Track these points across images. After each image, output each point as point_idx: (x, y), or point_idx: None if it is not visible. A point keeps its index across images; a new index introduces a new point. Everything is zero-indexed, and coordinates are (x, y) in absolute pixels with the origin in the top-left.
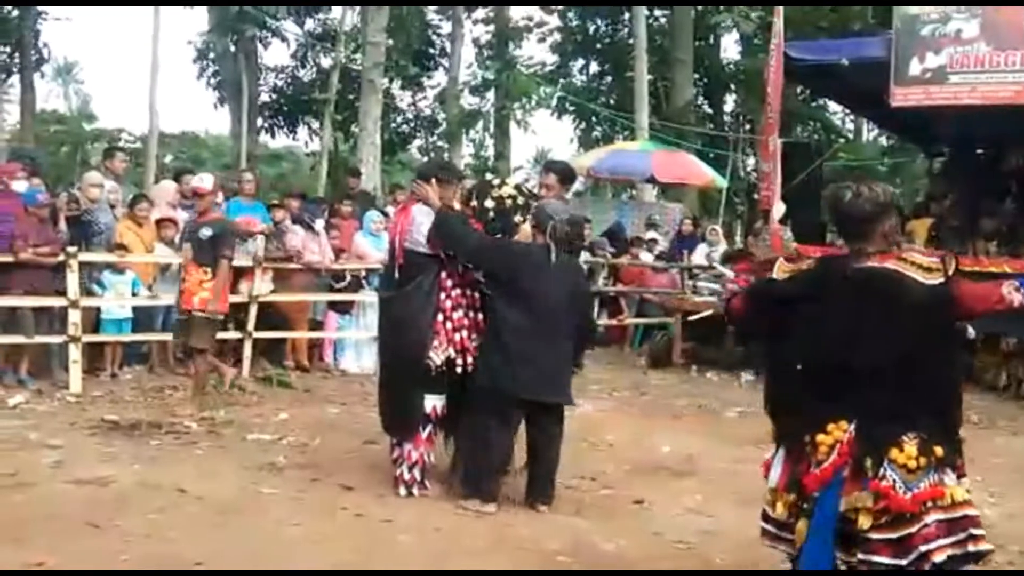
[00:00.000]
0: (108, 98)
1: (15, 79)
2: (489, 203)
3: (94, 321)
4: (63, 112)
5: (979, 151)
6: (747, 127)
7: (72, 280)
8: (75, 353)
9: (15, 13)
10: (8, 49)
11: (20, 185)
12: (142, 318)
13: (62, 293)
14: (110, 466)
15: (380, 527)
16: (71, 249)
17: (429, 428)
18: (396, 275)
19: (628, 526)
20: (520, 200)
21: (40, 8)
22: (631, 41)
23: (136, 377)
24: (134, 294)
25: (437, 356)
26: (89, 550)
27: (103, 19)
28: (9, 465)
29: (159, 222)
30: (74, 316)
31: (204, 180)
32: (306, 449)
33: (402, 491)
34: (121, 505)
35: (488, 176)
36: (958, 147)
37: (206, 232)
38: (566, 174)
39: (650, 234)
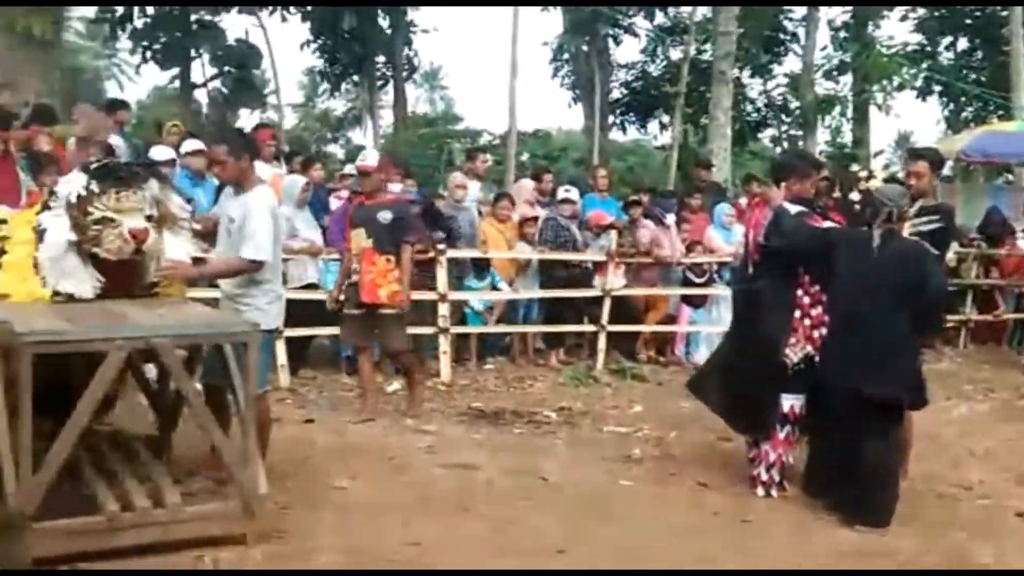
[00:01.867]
0: (470, 100)
1: (389, 87)
2: (855, 195)
3: (461, 313)
4: (430, 115)
5: None
6: None
7: (441, 275)
8: (444, 344)
9: (388, 28)
10: (383, 59)
11: (395, 187)
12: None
13: (432, 288)
14: (477, 453)
15: (739, 527)
16: (440, 246)
17: (787, 429)
18: (750, 270)
19: (1010, 540)
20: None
21: (410, 20)
22: (1004, 13)
23: (498, 367)
24: (495, 288)
25: (794, 354)
26: (460, 534)
27: (465, 26)
28: (389, 448)
29: (522, 221)
30: (443, 309)
31: (368, 157)
32: (661, 443)
33: (760, 491)
34: (489, 491)
35: (854, 167)
36: None
37: (385, 216)
38: (936, 161)
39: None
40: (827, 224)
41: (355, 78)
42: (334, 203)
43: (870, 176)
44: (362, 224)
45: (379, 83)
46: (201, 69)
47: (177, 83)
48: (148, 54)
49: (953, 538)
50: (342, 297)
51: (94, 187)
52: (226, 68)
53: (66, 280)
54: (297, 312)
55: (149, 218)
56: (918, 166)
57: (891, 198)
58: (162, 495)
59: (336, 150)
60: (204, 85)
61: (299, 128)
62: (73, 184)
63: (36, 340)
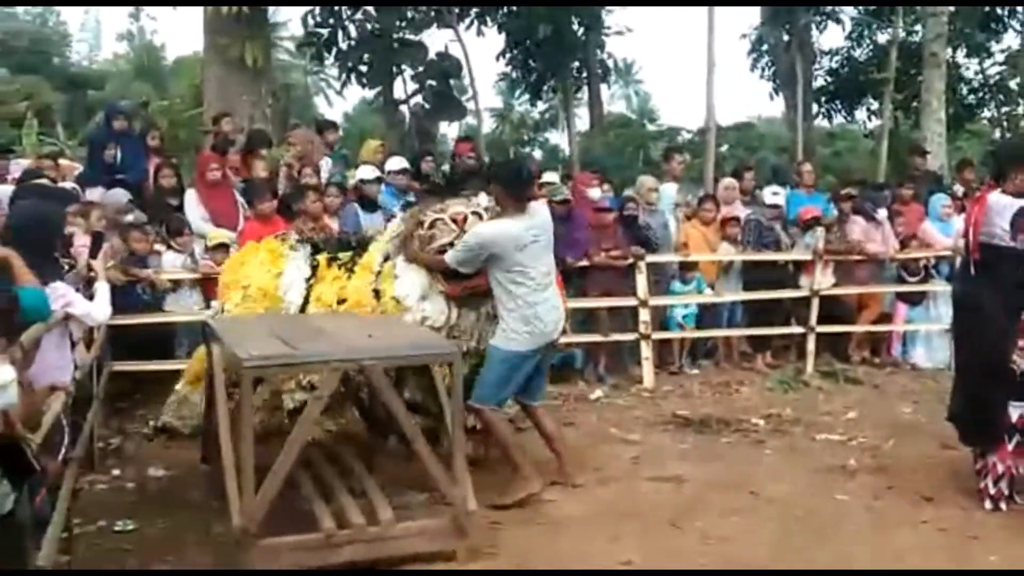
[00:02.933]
0: (667, 96)
1: (584, 90)
2: None
3: (662, 318)
4: (626, 114)
5: None
6: None
7: (641, 281)
8: (646, 350)
9: (582, 34)
10: (576, 64)
11: (594, 192)
12: (706, 315)
13: (632, 293)
14: (684, 463)
15: (965, 544)
16: (638, 251)
17: (1016, 438)
18: (971, 270)
19: None
20: None
21: (604, 23)
22: None
23: (703, 372)
24: (699, 292)
25: (1022, 360)
26: (671, 550)
27: (660, 22)
28: (594, 459)
29: (724, 221)
30: (644, 315)
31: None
32: (878, 452)
33: (988, 505)
34: (698, 504)
35: None
36: None
37: None
38: None
39: None
40: None
41: (551, 81)
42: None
43: None
44: None
45: (574, 86)
46: (403, 85)
47: (381, 98)
48: (352, 75)
49: None
50: None
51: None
52: (427, 82)
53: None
54: None
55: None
56: None
57: None
58: (376, 511)
59: (535, 153)
60: (407, 101)
61: (497, 132)
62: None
63: (255, 365)
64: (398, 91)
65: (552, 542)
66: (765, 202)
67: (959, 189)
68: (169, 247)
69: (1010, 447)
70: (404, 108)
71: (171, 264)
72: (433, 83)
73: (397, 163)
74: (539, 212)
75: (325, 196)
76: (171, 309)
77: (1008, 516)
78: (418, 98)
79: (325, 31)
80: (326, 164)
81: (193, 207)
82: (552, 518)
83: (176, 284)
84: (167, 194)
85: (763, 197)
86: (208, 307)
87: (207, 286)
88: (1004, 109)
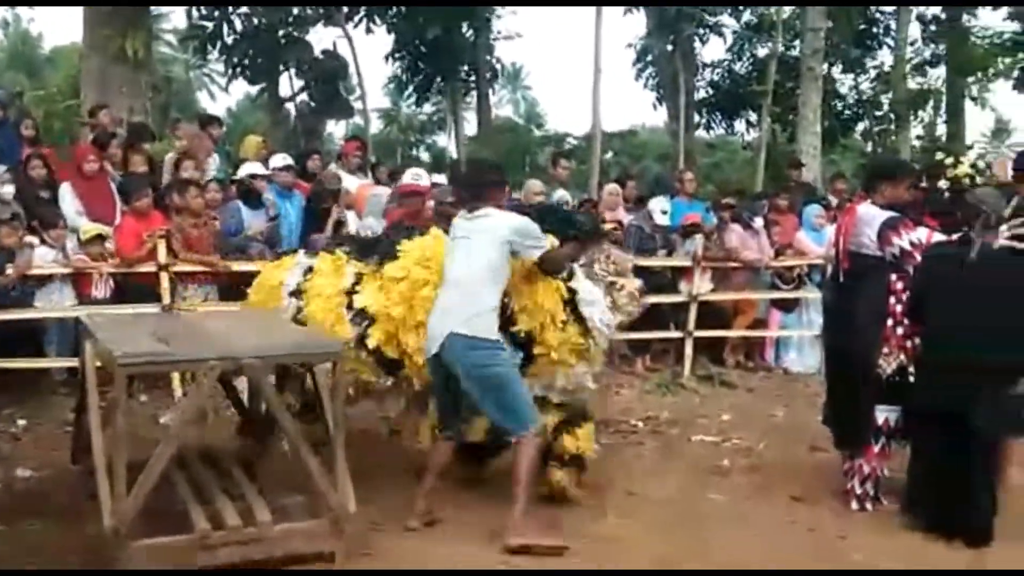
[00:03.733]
0: (554, 102)
1: (472, 94)
2: (943, 183)
3: None
4: (513, 119)
5: None
6: None
7: None
8: None
9: (470, 36)
10: (465, 67)
11: None
12: None
13: None
14: None
15: (834, 543)
16: None
17: (882, 441)
18: (841, 278)
19: None
20: (978, 180)
21: (493, 28)
22: None
23: None
24: None
25: (888, 365)
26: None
27: (548, 27)
28: None
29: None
30: None
31: (422, 176)
32: (751, 453)
33: (854, 505)
34: (572, 505)
35: (939, 156)
36: None
37: None
38: None
39: None
40: (923, 231)
41: (439, 84)
42: None
43: (957, 163)
44: None
45: (462, 89)
46: (289, 82)
47: (266, 94)
48: (237, 70)
49: None
50: None
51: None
52: (313, 80)
53: None
54: None
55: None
56: None
57: (985, 202)
58: (253, 512)
59: (422, 155)
60: (292, 98)
61: (385, 133)
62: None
63: (130, 362)
64: (284, 88)
65: (431, 545)
66: (653, 218)
67: (832, 200)
68: (43, 241)
69: (876, 449)
70: (290, 106)
71: (43, 258)
72: (320, 81)
73: (281, 160)
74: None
75: (206, 192)
76: (41, 305)
77: (873, 516)
78: (304, 96)
79: (210, 24)
80: (214, 161)
81: (68, 200)
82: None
83: (47, 279)
84: (37, 186)
85: (652, 212)
86: (80, 304)
87: (80, 281)
88: (876, 125)
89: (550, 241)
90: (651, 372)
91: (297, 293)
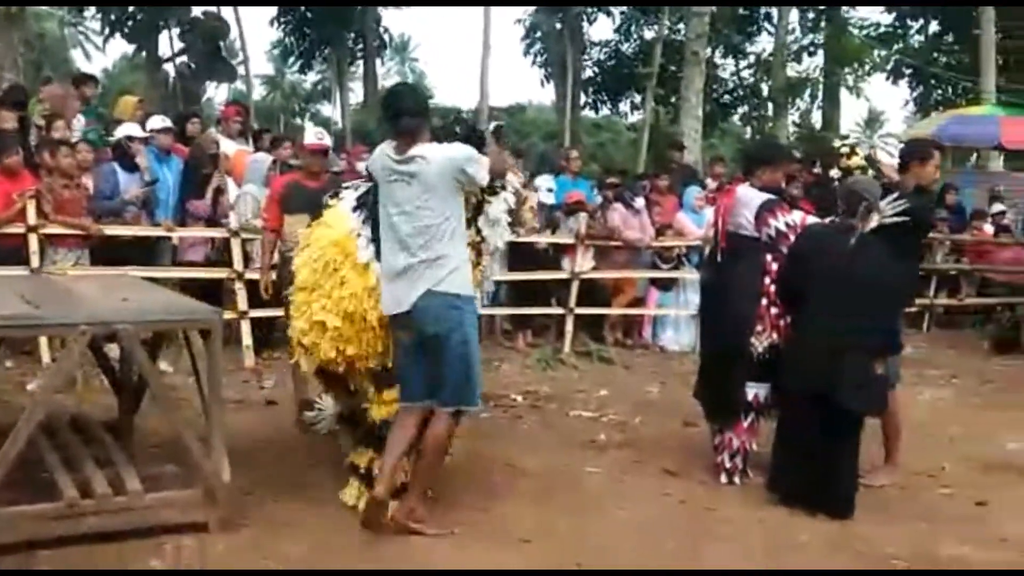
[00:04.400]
0: (442, 76)
1: (358, 64)
2: (835, 172)
3: None
4: None
5: None
6: None
7: None
8: None
9: (357, 5)
10: (352, 36)
11: (363, 165)
12: None
13: None
14: None
15: (703, 515)
16: None
17: (752, 417)
18: (719, 257)
19: (971, 530)
20: (870, 172)
21: None
22: None
23: None
24: None
25: (760, 343)
26: (430, 518)
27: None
28: None
29: None
30: None
31: (325, 136)
32: (626, 428)
33: (723, 479)
34: (455, 477)
35: (836, 143)
36: None
37: None
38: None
39: (995, 207)
40: (797, 214)
41: (325, 51)
42: None
43: (852, 153)
44: (308, 210)
45: (348, 57)
46: (169, 42)
47: (144, 54)
48: (115, 28)
49: (914, 527)
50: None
51: None
52: (194, 41)
53: None
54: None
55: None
56: (937, 159)
57: (867, 190)
58: (123, 481)
59: (305, 124)
60: (172, 59)
61: (268, 100)
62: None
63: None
64: (164, 48)
65: (306, 513)
66: (539, 196)
67: (711, 183)
68: None
69: (745, 424)
70: (169, 67)
71: None
72: (200, 42)
73: (159, 122)
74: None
75: (77, 153)
76: None
77: (742, 489)
78: (184, 58)
79: None
80: (79, 121)
81: None
82: (306, 488)
83: None
84: None
85: (537, 189)
86: None
87: None
88: (755, 111)
89: None
90: (532, 348)
91: None
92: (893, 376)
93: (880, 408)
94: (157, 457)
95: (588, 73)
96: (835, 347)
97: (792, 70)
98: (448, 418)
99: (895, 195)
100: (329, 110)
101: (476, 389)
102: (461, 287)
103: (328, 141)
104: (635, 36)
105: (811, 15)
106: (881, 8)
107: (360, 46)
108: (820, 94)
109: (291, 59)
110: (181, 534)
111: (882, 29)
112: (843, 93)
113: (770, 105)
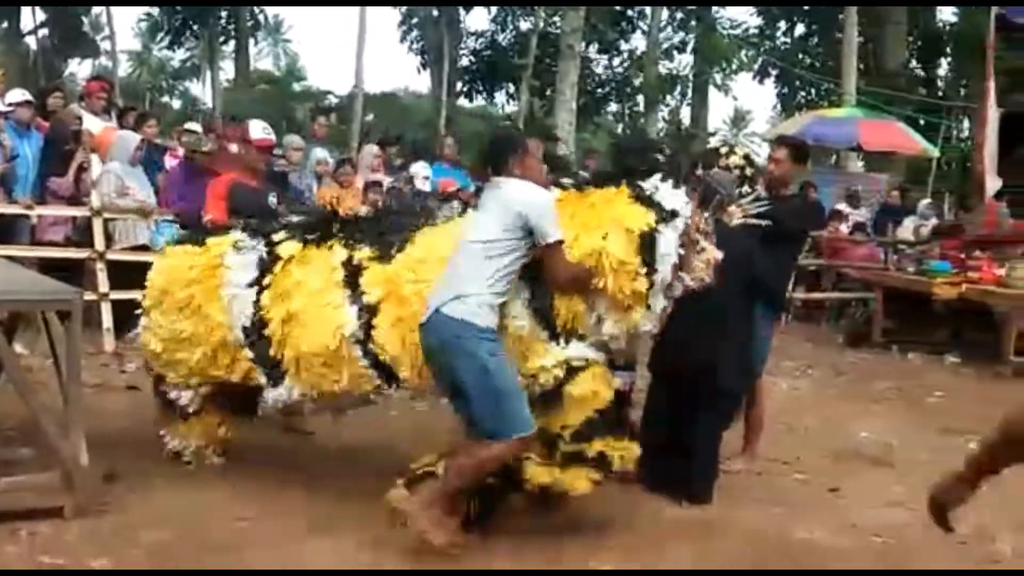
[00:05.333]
0: (316, 58)
1: (230, 43)
2: (716, 170)
3: None
4: (273, 71)
5: None
6: (963, 93)
7: None
8: None
9: None
10: (224, 14)
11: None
12: None
13: None
14: None
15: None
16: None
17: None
18: None
19: (822, 516)
20: (748, 172)
21: None
22: None
23: None
24: None
25: None
26: None
27: None
28: None
29: (367, 186)
30: None
31: (270, 130)
32: None
33: None
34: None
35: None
36: None
37: (274, 201)
38: (799, 151)
39: (843, 205)
40: None
41: (195, 28)
42: (169, 162)
43: (731, 152)
44: (254, 213)
45: (220, 36)
46: (32, 14)
47: (5, 25)
48: None
49: (769, 512)
50: None
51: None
52: (56, 14)
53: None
54: (125, 274)
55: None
56: (778, 153)
57: (722, 185)
58: None
59: (173, 102)
60: (34, 32)
61: (134, 77)
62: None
63: None
64: (26, 22)
65: (170, 500)
66: (415, 183)
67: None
68: None
69: None
70: (30, 39)
71: None
72: (63, 17)
73: (18, 95)
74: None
75: None
76: None
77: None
78: (45, 31)
79: None
80: None
81: None
82: (168, 475)
83: None
84: None
85: (414, 176)
86: None
87: None
88: (627, 105)
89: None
90: None
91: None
92: (757, 361)
93: (747, 385)
94: (12, 440)
95: (465, 62)
96: (696, 332)
97: (664, 67)
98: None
99: (754, 194)
100: (198, 88)
101: (508, 420)
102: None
103: (273, 136)
104: (511, 27)
105: (680, 15)
106: (751, 10)
107: (232, 25)
108: (690, 92)
109: (160, 35)
110: (37, 520)
111: (751, 30)
112: (712, 91)
113: (642, 101)
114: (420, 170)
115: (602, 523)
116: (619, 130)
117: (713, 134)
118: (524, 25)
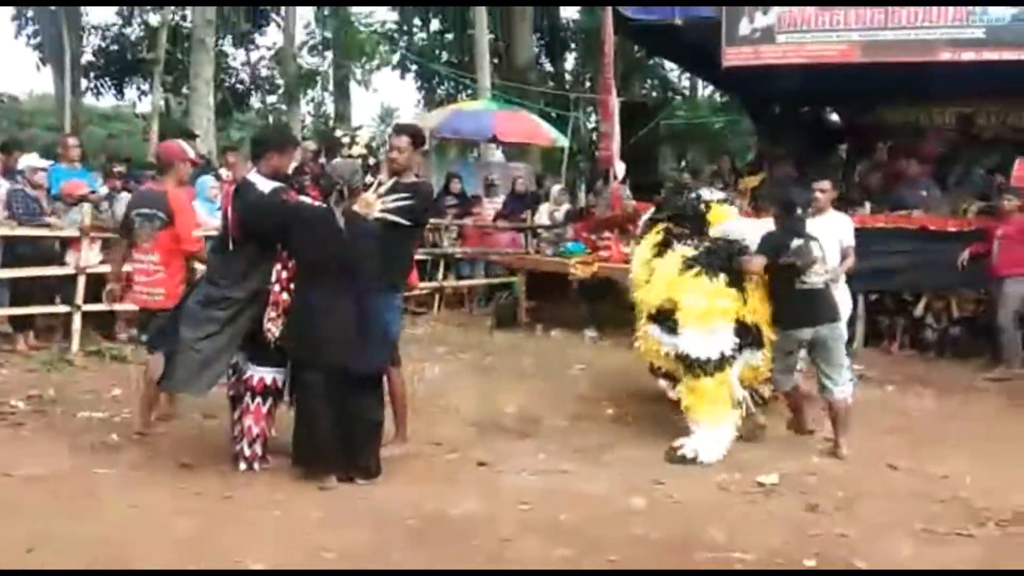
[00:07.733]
0: None
1: None
2: (338, 159)
3: None
4: None
5: (805, 108)
6: (587, 86)
7: None
8: None
9: None
10: None
11: None
12: None
13: None
14: None
15: (221, 504)
16: None
17: (269, 401)
18: (230, 245)
19: (472, 489)
20: (371, 161)
21: None
22: None
23: None
24: None
25: (275, 328)
26: None
27: None
28: None
29: None
30: None
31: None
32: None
33: (243, 466)
34: None
35: (339, 133)
36: (786, 105)
37: None
38: (417, 137)
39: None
40: (302, 200)
41: None
42: None
43: (353, 143)
44: None
45: None
46: None
47: None
48: None
49: (429, 488)
50: None
51: None
52: None
53: None
54: None
55: None
56: (400, 140)
57: (342, 175)
58: None
59: None
60: None
61: None
62: None
63: None
64: None
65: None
66: (29, 177)
67: (224, 172)
68: None
69: (264, 410)
70: None
71: None
72: None
73: None
74: None
75: None
76: None
77: (261, 475)
78: None
79: None
80: None
81: None
82: None
83: None
84: None
85: (26, 170)
86: None
87: None
88: (269, 100)
89: None
90: (36, 350)
91: None
92: (394, 335)
93: (382, 367)
94: None
95: (90, 58)
96: (337, 322)
97: (304, 62)
98: None
99: (392, 183)
100: None
101: None
102: None
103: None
104: (139, 20)
105: (314, 10)
106: (388, 7)
107: None
108: (331, 86)
109: None
110: None
111: (388, 26)
112: (356, 87)
113: (283, 96)
114: (31, 161)
115: (252, 525)
116: (261, 124)
117: (359, 127)
118: (153, 18)
